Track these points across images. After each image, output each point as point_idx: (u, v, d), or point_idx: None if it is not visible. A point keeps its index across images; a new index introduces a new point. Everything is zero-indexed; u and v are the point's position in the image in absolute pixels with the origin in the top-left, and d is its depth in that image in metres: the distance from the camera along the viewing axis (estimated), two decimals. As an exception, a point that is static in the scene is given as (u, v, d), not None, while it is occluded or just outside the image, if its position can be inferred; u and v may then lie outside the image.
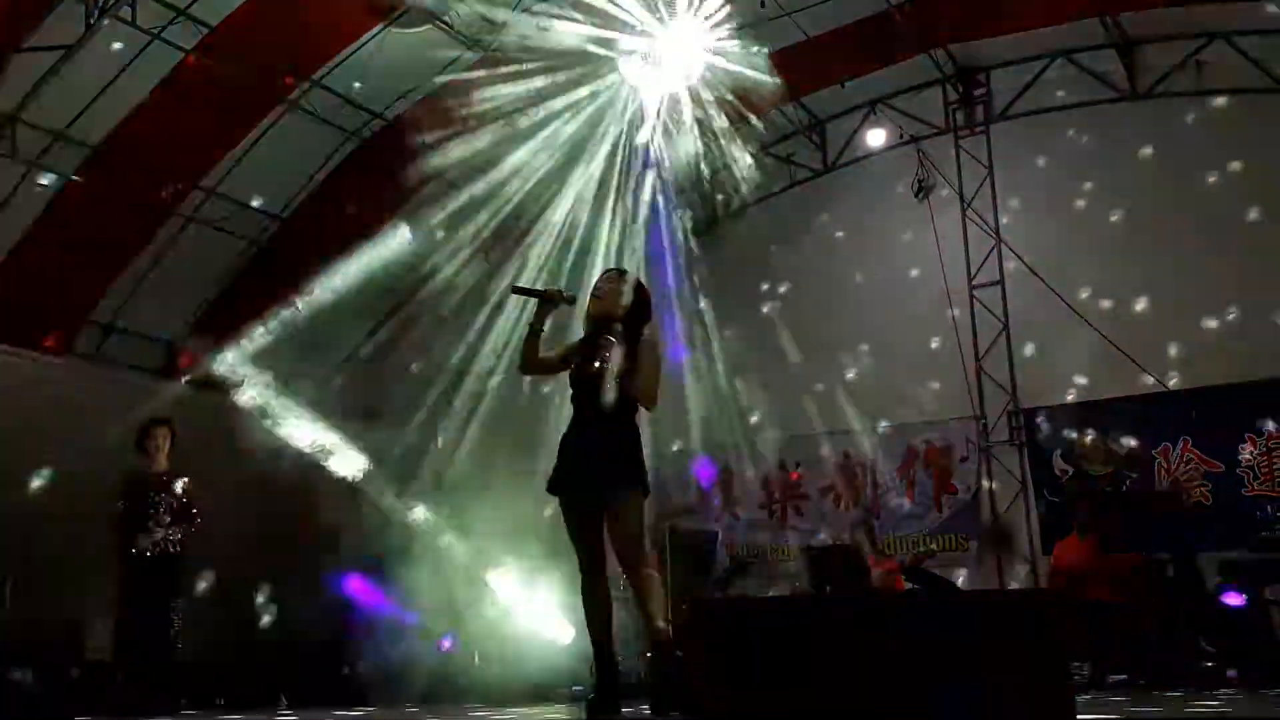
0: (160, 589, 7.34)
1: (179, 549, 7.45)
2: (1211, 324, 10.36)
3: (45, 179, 9.58)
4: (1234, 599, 8.11)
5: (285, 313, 9.91)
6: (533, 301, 5.15)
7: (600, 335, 4.94)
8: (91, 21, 8.59)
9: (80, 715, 6.30)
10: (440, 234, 11.78)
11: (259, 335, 9.74)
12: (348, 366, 12.34)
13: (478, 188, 12.14)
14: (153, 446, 7.58)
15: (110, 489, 7.51)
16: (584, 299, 5.29)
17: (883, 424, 11.97)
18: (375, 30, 9.93)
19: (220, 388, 9.93)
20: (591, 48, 9.46)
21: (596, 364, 4.85)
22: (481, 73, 10.13)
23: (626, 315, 5.02)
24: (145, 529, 7.34)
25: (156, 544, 7.34)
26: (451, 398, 10.84)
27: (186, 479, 7.66)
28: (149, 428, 7.65)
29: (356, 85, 10.41)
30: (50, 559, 9.08)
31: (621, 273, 5.24)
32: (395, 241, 10.34)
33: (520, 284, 5.39)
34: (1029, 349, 11.43)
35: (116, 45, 8.98)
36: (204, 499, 7.69)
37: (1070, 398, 11.17)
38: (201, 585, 8.55)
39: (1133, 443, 10.81)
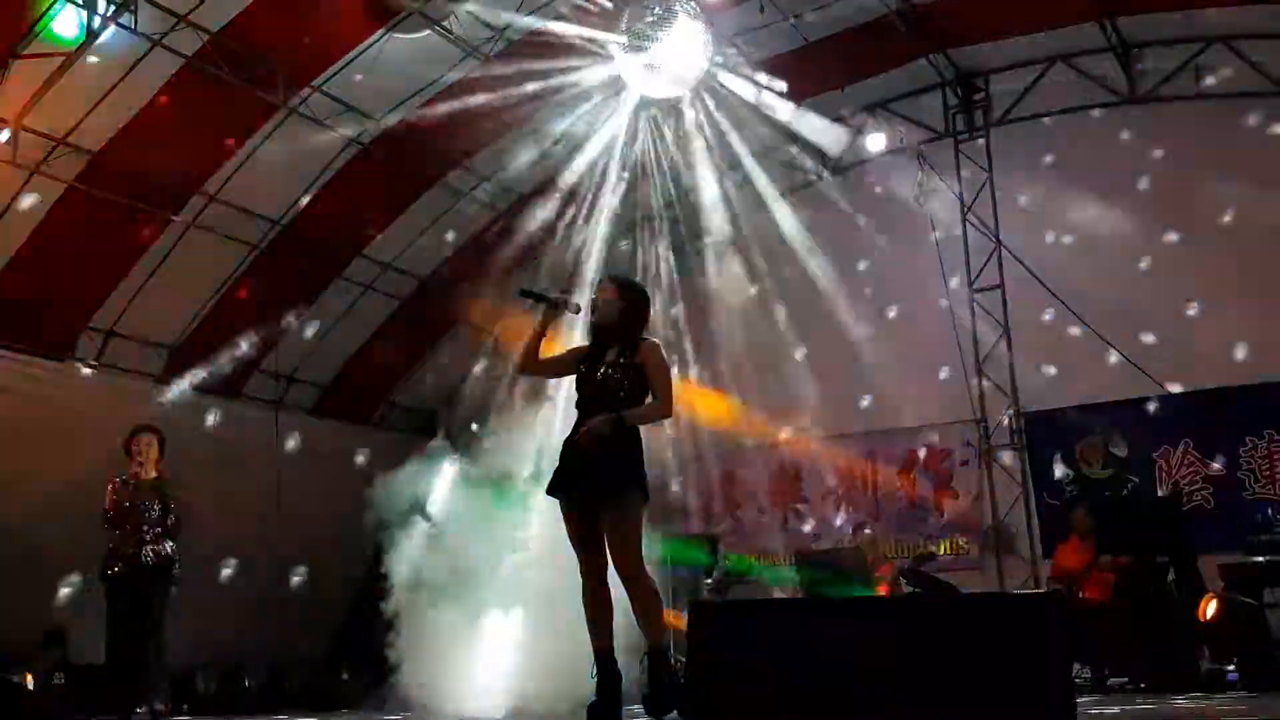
0: (148, 595, 7.32)
1: (167, 556, 7.43)
2: (1211, 327, 10.37)
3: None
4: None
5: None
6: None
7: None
8: (94, 28, 8.59)
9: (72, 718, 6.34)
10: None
11: None
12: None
13: (479, 191, 12.26)
14: (139, 454, 7.56)
15: (103, 495, 7.51)
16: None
17: (884, 427, 11.99)
18: (375, 36, 9.94)
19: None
20: (592, 55, 9.50)
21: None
22: (482, 79, 10.18)
23: (622, 322, 5.05)
24: (134, 536, 7.33)
25: (143, 551, 7.32)
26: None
27: (172, 485, 7.65)
28: (136, 435, 7.63)
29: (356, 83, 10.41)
30: (47, 564, 9.11)
31: (616, 280, 5.25)
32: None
33: (527, 287, 5.40)
34: (1029, 352, 11.43)
35: (117, 52, 8.98)
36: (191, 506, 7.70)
37: (1070, 401, 11.18)
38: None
39: (1133, 446, 10.82)
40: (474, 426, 10.47)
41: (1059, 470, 11.21)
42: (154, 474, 7.57)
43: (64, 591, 9.19)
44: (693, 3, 9.11)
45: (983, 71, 11.96)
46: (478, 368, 12.10)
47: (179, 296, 11.10)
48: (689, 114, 10.54)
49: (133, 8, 8.72)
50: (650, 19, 8.98)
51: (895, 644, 3.55)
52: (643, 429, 5.05)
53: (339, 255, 12.03)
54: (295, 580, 11.07)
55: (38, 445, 9.51)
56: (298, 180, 11.11)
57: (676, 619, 6.96)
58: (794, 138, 12.07)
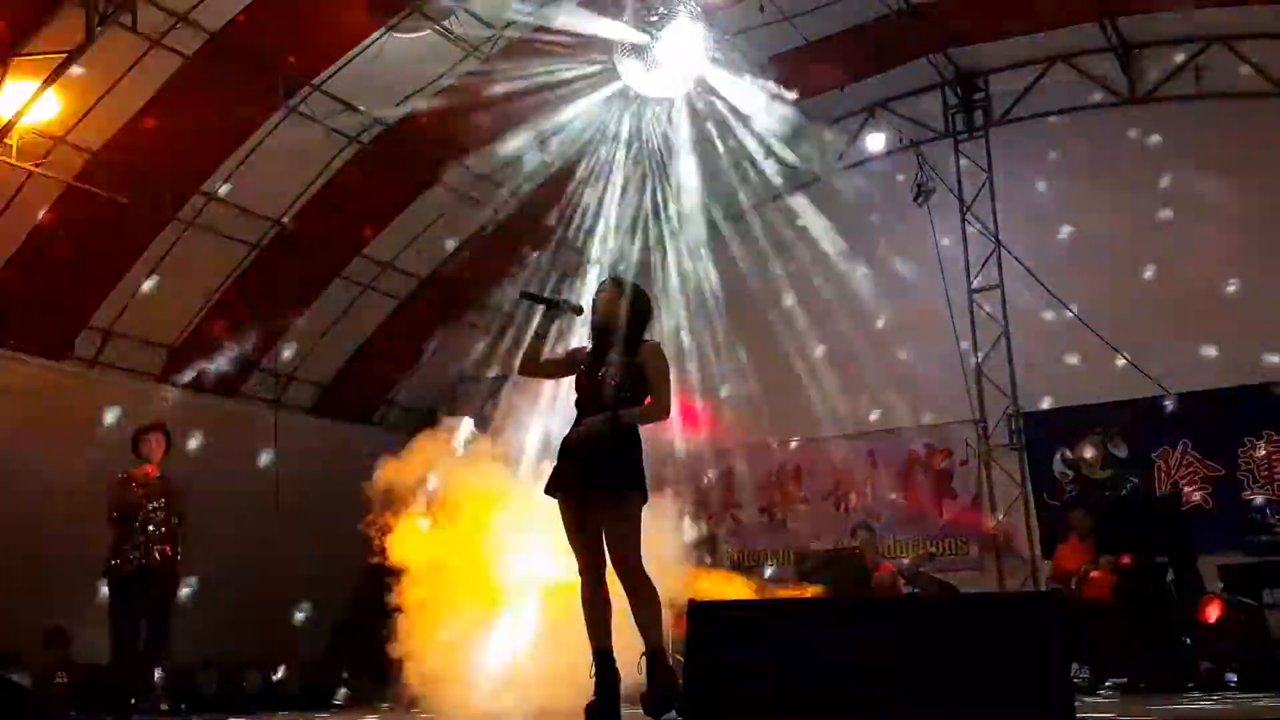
0: (152, 595, 7.32)
1: (171, 556, 7.43)
2: (1212, 327, 10.37)
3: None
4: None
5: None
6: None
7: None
8: (96, 28, 8.58)
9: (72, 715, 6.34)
10: None
11: None
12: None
13: (479, 191, 12.24)
14: (146, 452, 7.55)
15: (105, 494, 7.50)
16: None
17: (883, 428, 11.99)
18: (376, 35, 9.93)
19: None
20: (592, 54, 9.49)
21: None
22: (481, 78, 10.17)
23: (623, 323, 5.05)
24: (139, 535, 7.32)
25: (148, 551, 7.31)
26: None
27: (178, 484, 7.65)
28: (145, 433, 7.63)
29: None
30: (48, 563, 9.10)
31: (616, 281, 5.25)
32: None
33: (527, 289, 5.45)
34: (1028, 353, 11.43)
35: (117, 51, 8.98)
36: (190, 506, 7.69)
37: (1070, 401, 11.18)
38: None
39: (1132, 446, 10.82)
40: (485, 408, 10.48)
41: (1058, 470, 11.20)
42: (159, 473, 7.58)
43: (71, 591, 9.18)
44: (692, 2, 9.11)
45: (983, 71, 11.97)
46: (478, 365, 12.08)
47: (178, 296, 11.09)
48: (689, 112, 10.53)
49: (132, 7, 8.71)
50: (650, 18, 8.98)
51: (895, 644, 3.54)
52: (643, 428, 5.06)
53: (339, 255, 12.03)
54: (295, 580, 11.05)
55: (38, 445, 9.50)
56: (297, 180, 11.10)
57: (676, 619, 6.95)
58: (795, 137, 12.05)
